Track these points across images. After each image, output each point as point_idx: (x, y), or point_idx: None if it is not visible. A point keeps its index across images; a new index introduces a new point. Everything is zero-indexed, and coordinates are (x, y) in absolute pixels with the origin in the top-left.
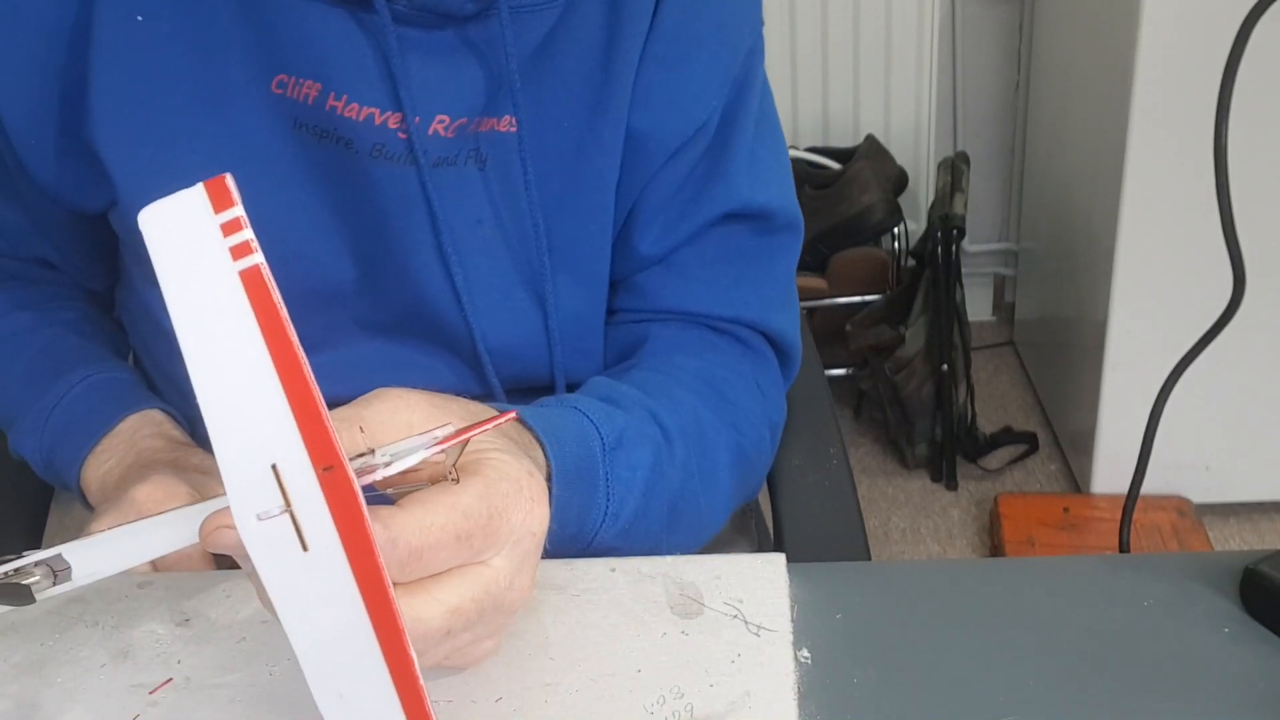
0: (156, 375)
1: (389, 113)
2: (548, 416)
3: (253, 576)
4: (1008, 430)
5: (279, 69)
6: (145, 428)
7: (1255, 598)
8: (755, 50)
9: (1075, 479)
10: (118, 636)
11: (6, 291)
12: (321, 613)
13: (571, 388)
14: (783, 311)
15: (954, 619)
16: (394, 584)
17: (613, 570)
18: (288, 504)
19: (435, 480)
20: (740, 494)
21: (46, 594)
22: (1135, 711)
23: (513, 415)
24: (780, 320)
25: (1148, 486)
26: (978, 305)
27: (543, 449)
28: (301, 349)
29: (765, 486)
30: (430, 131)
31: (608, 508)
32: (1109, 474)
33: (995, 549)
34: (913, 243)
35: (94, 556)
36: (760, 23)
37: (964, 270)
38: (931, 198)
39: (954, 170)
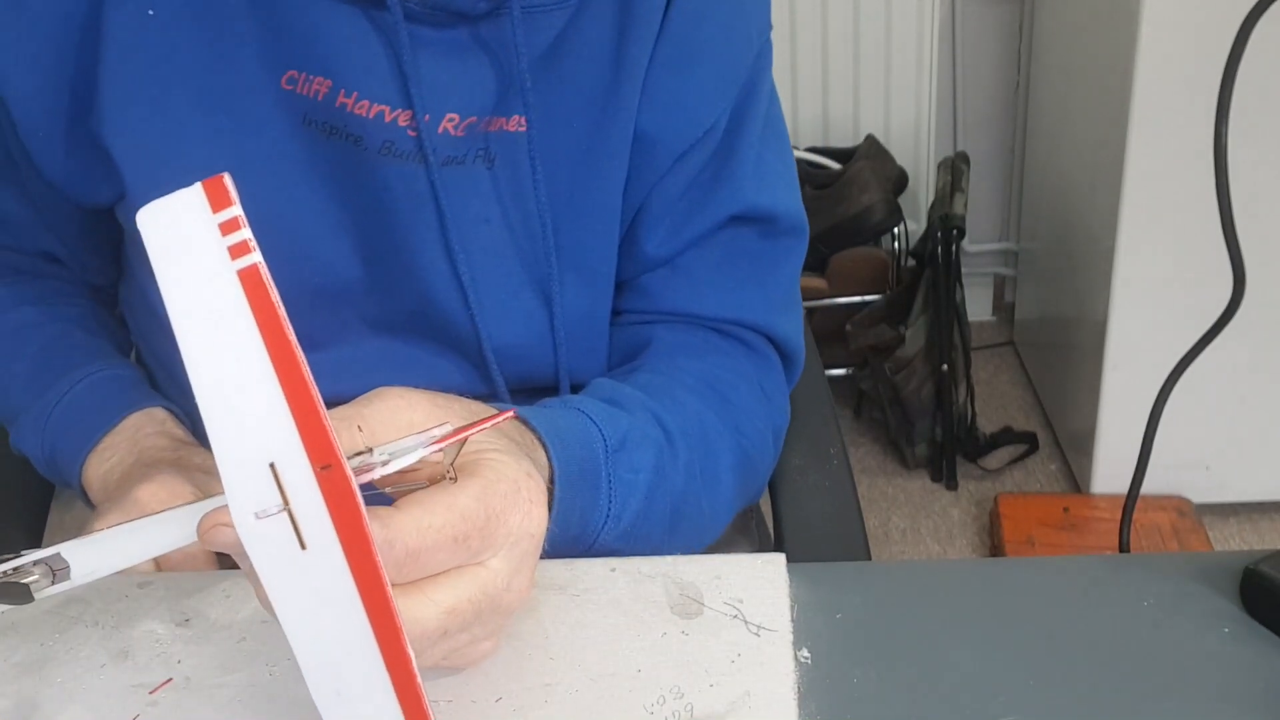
0: (158, 371)
1: (399, 110)
2: (551, 417)
3: (251, 575)
4: (1008, 430)
5: (289, 65)
6: (148, 426)
7: (1255, 598)
8: (763, 54)
9: (1075, 479)
10: (118, 636)
11: (12, 286)
12: (320, 611)
13: (576, 388)
14: (787, 315)
15: (954, 619)
16: (390, 584)
17: (613, 570)
18: (286, 503)
19: (434, 480)
20: (743, 497)
21: (45, 593)
22: (1135, 711)
23: (510, 414)
24: (784, 323)
25: (1148, 486)
26: (978, 305)
27: (545, 450)
28: (300, 348)
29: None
30: (440, 130)
31: (609, 509)
32: (1109, 474)
33: (995, 549)
34: (913, 243)
35: (93, 555)
36: (768, 27)
37: (964, 270)
38: (931, 198)
39: (954, 170)
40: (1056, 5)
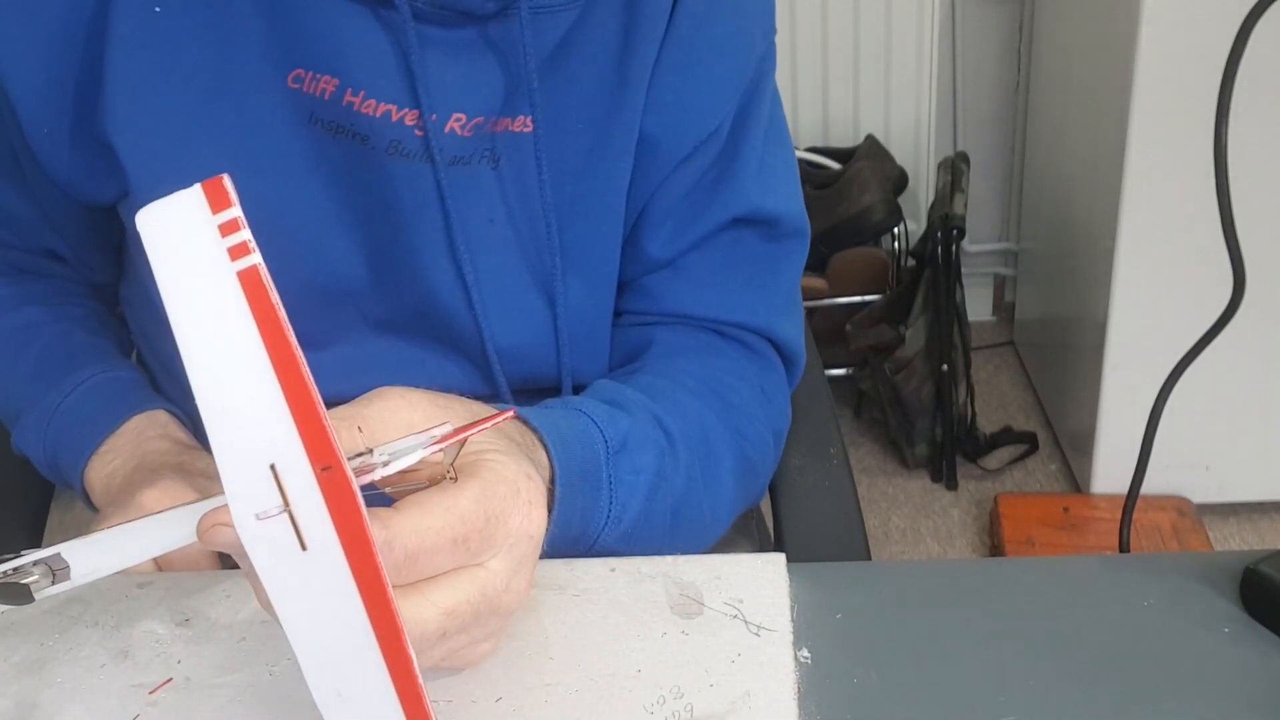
0: (159, 371)
1: (406, 110)
2: (552, 418)
3: (251, 576)
4: (1008, 430)
5: (296, 64)
6: (150, 429)
7: (1255, 598)
8: (767, 57)
9: (1075, 479)
10: (118, 636)
11: (15, 285)
12: (320, 612)
13: (578, 389)
14: (788, 317)
15: (954, 619)
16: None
17: (613, 570)
18: (286, 504)
19: (434, 480)
20: (743, 499)
21: (45, 593)
22: (1135, 711)
23: (510, 414)
24: (785, 326)
25: (1148, 486)
26: (978, 305)
27: (546, 450)
28: (300, 349)
29: None
30: (447, 130)
31: (610, 511)
32: (1109, 474)
33: (995, 549)
34: (913, 243)
35: (92, 555)
36: (773, 30)
37: (964, 270)
38: (931, 198)
39: (954, 170)
40: (1056, 5)
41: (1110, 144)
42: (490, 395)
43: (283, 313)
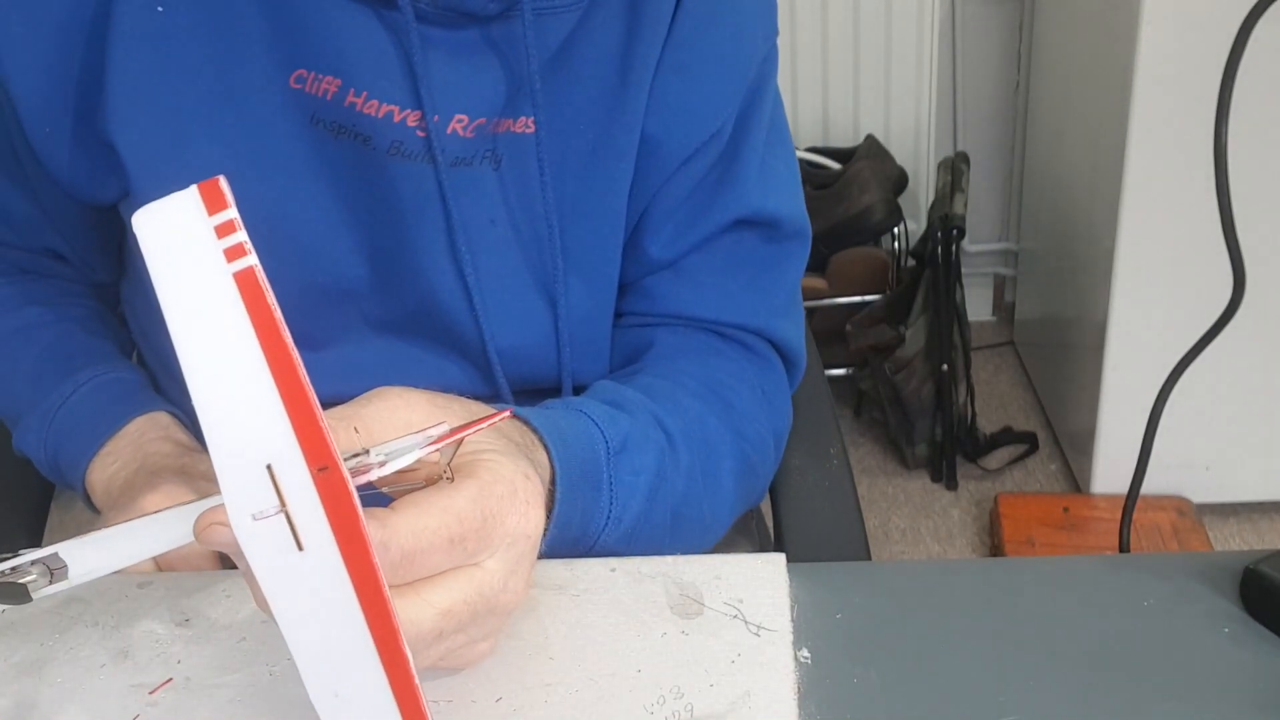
0: (160, 371)
1: (408, 110)
2: (552, 418)
3: (247, 576)
4: (1008, 430)
5: (298, 64)
6: (151, 431)
7: (1255, 598)
8: (769, 59)
9: (1075, 479)
10: (118, 636)
11: (17, 285)
12: (317, 612)
13: (578, 390)
14: (788, 319)
15: (954, 619)
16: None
17: (613, 570)
18: (283, 504)
19: (431, 480)
20: (744, 500)
21: (43, 593)
22: (1135, 711)
23: (507, 414)
24: (786, 327)
25: (1148, 486)
26: (978, 305)
27: (546, 450)
28: (296, 349)
29: None
30: (449, 130)
31: (611, 511)
32: (1109, 474)
33: (995, 549)
34: (913, 243)
35: (90, 555)
36: (775, 32)
37: (964, 270)
38: (931, 198)
39: (954, 170)
40: (1056, 5)
41: (1110, 144)
42: (490, 396)
43: (279, 313)
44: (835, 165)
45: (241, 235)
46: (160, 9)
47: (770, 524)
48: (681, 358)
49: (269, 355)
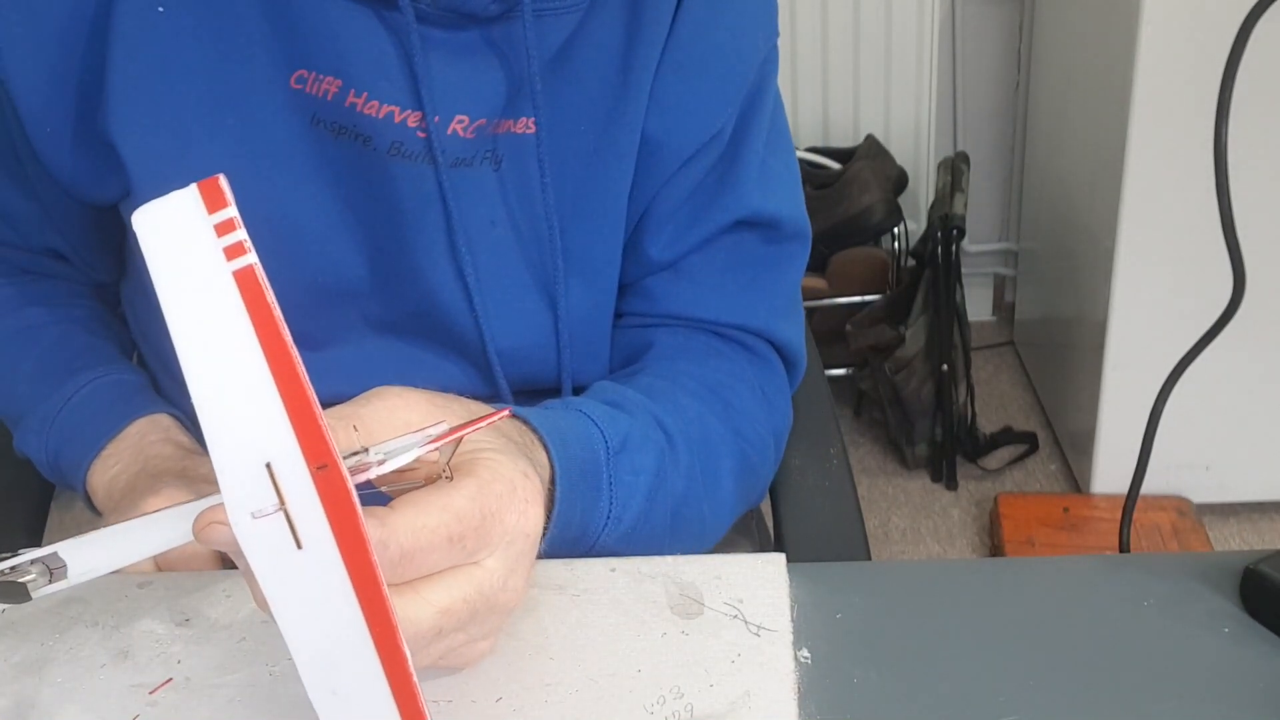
0: (160, 372)
1: (409, 111)
2: (552, 418)
3: (247, 574)
4: (1008, 430)
5: (299, 64)
6: (153, 433)
7: (1255, 598)
8: (769, 60)
9: (1075, 479)
10: (118, 636)
11: (18, 286)
12: (316, 610)
13: (578, 390)
14: (789, 319)
15: (954, 619)
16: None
17: (613, 570)
18: (282, 502)
19: (430, 479)
20: (744, 501)
21: (42, 592)
22: (1135, 711)
23: (506, 413)
24: (786, 328)
25: (1148, 486)
26: (978, 305)
27: (546, 450)
28: (295, 348)
29: None
30: (449, 131)
31: (610, 511)
32: (1109, 474)
33: (995, 549)
34: (913, 243)
35: (89, 554)
36: (775, 33)
37: (964, 270)
38: (931, 198)
39: (954, 170)
40: (1056, 5)
41: (1110, 144)
42: (490, 396)
43: (278, 312)
44: (835, 165)
45: (241, 233)
46: (161, 9)
47: (770, 524)
48: (681, 358)
49: (268, 353)
